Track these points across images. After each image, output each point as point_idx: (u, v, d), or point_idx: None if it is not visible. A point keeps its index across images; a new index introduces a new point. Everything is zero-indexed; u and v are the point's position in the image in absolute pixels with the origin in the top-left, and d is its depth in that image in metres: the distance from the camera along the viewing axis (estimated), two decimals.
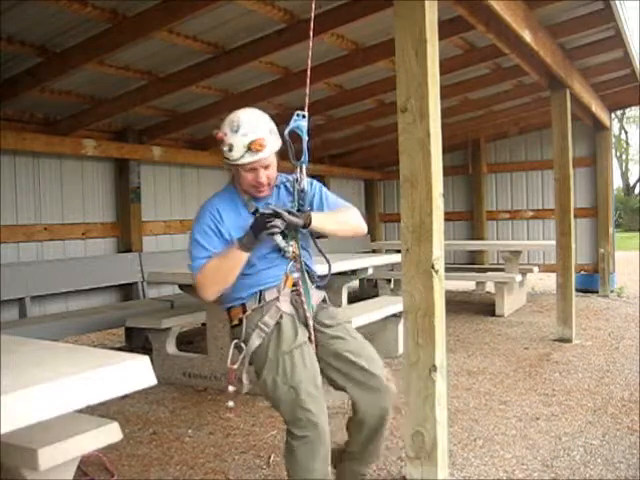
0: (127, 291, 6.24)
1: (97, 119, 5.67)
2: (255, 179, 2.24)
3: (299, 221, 2.20)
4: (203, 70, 4.79)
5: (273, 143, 2.24)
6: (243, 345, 2.29)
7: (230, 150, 2.19)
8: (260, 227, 2.15)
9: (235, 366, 2.28)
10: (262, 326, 2.27)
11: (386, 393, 2.33)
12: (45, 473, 1.74)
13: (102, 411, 3.47)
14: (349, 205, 2.49)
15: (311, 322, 2.32)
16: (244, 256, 2.21)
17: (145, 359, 1.64)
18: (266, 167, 2.24)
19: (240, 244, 2.20)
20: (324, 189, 2.46)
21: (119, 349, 5.43)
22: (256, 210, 2.23)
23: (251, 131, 2.18)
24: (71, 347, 2.01)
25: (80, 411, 1.53)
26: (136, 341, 5.64)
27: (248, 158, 2.19)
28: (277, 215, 2.14)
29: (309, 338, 2.30)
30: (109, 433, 1.91)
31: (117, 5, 3.69)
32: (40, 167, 5.61)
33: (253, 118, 2.24)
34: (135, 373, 1.60)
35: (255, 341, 2.27)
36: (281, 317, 2.28)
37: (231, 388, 2.32)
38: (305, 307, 2.32)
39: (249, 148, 2.17)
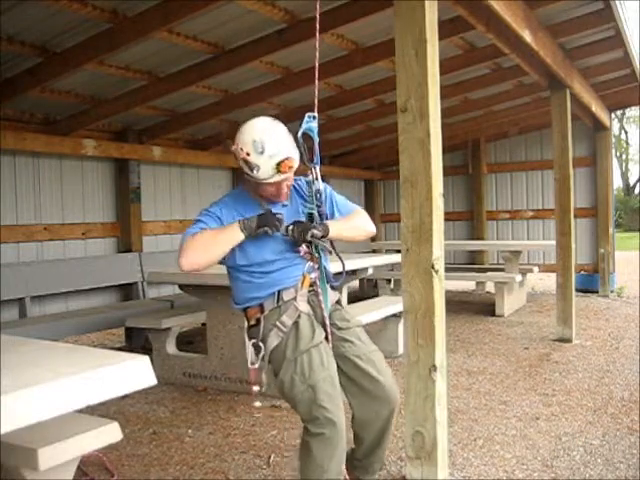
0: (127, 291, 6.24)
1: (97, 119, 5.67)
2: (278, 191, 2.29)
3: (318, 233, 2.25)
4: (203, 70, 4.79)
5: (297, 157, 2.25)
6: (261, 344, 2.29)
7: (257, 171, 2.18)
8: (265, 221, 2.20)
9: (256, 366, 2.29)
10: (280, 325, 2.28)
11: (388, 402, 2.35)
12: (45, 473, 1.74)
13: (102, 411, 3.47)
14: (358, 208, 2.56)
15: (328, 322, 2.33)
16: (238, 235, 2.21)
17: (145, 359, 1.64)
18: (287, 179, 2.28)
19: (241, 222, 2.22)
20: (334, 193, 2.52)
21: (119, 349, 5.43)
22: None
23: (277, 152, 2.17)
24: (71, 347, 2.01)
25: (80, 411, 1.53)
26: (136, 341, 5.63)
27: (277, 178, 2.21)
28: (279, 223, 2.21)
29: (325, 338, 2.32)
30: (109, 433, 1.91)
31: (117, 5, 3.69)
32: (40, 167, 5.61)
33: (275, 136, 2.21)
34: (135, 373, 1.60)
35: (273, 340, 2.28)
36: (299, 317, 2.30)
37: (256, 388, 2.34)
38: (322, 307, 2.33)
39: (278, 170, 2.17)
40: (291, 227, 2.25)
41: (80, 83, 4.93)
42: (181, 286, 4.45)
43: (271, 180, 2.21)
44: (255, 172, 2.18)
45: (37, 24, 3.82)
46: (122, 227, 6.34)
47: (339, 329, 2.38)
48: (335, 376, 2.24)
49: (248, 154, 2.16)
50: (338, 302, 2.49)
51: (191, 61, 4.73)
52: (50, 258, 5.62)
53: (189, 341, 5.80)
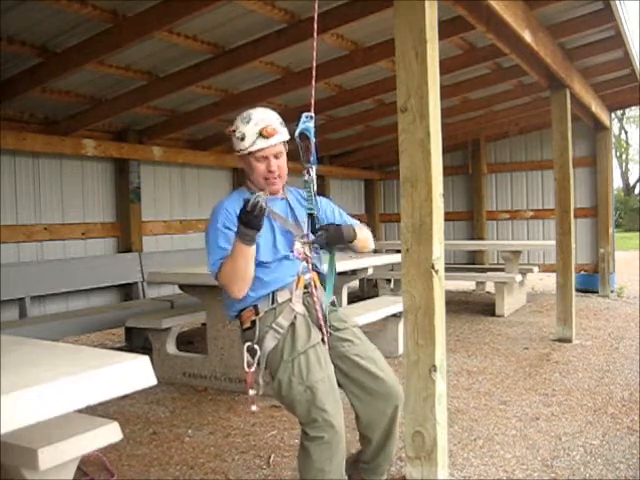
0: (127, 291, 6.24)
1: (97, 119, 5.67)
2: (267, 168, 2.29)
3: (350, 236, 2.35)
4: (203, 70, 4.79)
5: (283, 132, 2.31)
6: (257, 347, 2.27)
7: (242, 139, 2.25)
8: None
9: (252, 369, 2.27)
10: (276, 327, 2.26)
11: (392, 398, 2.33)
12: (45, 473, 1.74)
13: (102, 411, 3.47)
14: (359, 222, 2.61)
15: (324, 323, 2.32)
16: (249, 249, 2.16)
17: (145, 359, 1.64)
18: (276, 156, 2.30)
19: (238, 238, 2.14)
20: (336, 206, 2.57)
21: (119, 349, 5.43)
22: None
23: (261, 120, 2.26)
24: (71, 347, 2.00)
25: (80, 411, 1.53)
26: (136, 341, 5.64)
27: (260, 144, 2.24)
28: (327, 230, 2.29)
29: (322, 339, 2.31)
30: (109, 433, 1.91)
31: (117, 5, 3.69)
32: (40, 167, 5.61)
33: (263, 111, 2.33)
34: (135, 373, 1.60)
35: (270, 343, 2.26)
36: (295, 318, 2.29)
37: (252, 392, 2.29)
38: (317, 308, 2.32)
39: (260, 134, 2.23)
40: (323, 232, 2.27)
41: (80, 83, 4.93)
42: (181, 286, 4.45)
43: (255, 147, 2.24)
44: (241, 142, 2.25)
45: (37, 24, 3.82)
46: (122, 227, 6.33)
47: (337, 330, 2.37)
48: (333, 377, 2.22)
49: (237, 127, 2.28)
50: (332, 303, 2.48)
51: (191, 61, 4.73)
52: (50, 258, 5.61)
53: (189, 341, 5.80)
